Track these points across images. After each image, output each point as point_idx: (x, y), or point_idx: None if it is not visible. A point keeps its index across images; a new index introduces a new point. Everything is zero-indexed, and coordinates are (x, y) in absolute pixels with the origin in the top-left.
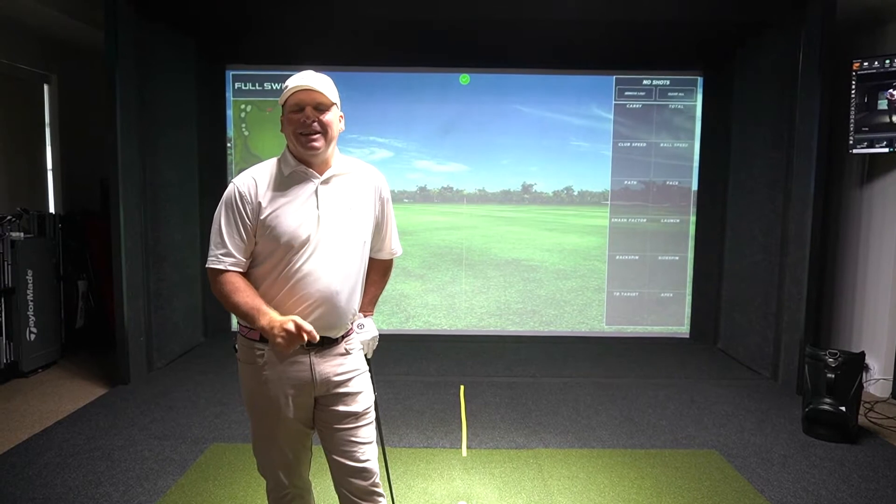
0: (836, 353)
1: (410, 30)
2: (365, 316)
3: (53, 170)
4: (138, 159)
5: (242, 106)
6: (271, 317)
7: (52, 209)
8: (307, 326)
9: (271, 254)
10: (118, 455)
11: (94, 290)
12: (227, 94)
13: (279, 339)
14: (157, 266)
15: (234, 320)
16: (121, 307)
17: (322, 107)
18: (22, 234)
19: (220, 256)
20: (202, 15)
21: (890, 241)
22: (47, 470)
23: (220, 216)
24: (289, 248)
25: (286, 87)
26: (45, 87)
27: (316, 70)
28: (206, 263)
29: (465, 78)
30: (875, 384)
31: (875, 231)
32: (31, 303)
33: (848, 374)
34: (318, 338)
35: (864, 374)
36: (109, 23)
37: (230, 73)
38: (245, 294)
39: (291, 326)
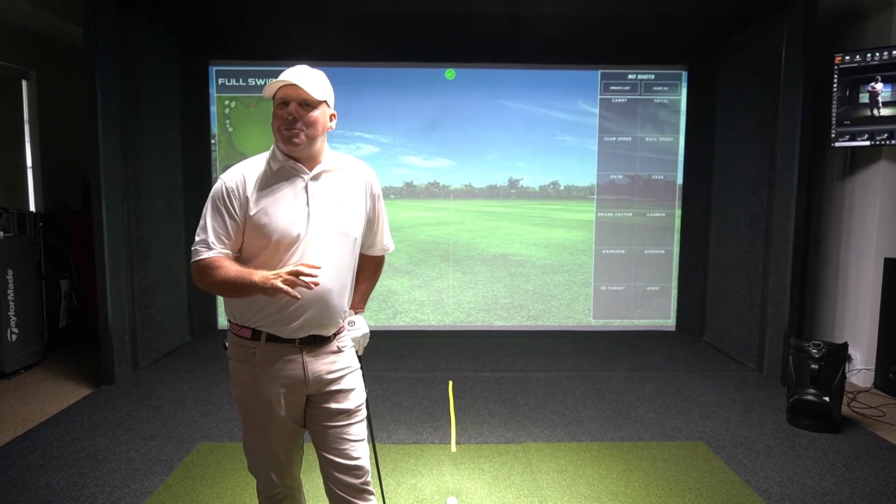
0: (820, 345)
1: (396, 24)
2: (356, 313)
3: (33, 167)
4: (120, 156)
5: (226, 102)
6: (263, 273)
7: (32, 207)
8: (304, 269)
9: (261, 251)
10: (104, 456)
11: (76, 289)
12: (210, 90)
13: (282, 286)
14: (140, 264)
15: (222, 318)
16: (104, 306)
17: (307, 104)
18: (2, 233)
19: (200, 248)
20: (184, 9)
21: (871, 233)
22: (31, 472)
23: (207, 211)
24: (279, 246)
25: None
26: (24, 83)
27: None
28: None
29: (450, 73)
30: (857, 374)
31: (857, 223)
32: (11, 303)
33: (831, 364)
34: (318, 274)
35: (846, 365)
36: (88, 18)
37: (213, 69)
38: (229, 268)
39: (280, 283)
